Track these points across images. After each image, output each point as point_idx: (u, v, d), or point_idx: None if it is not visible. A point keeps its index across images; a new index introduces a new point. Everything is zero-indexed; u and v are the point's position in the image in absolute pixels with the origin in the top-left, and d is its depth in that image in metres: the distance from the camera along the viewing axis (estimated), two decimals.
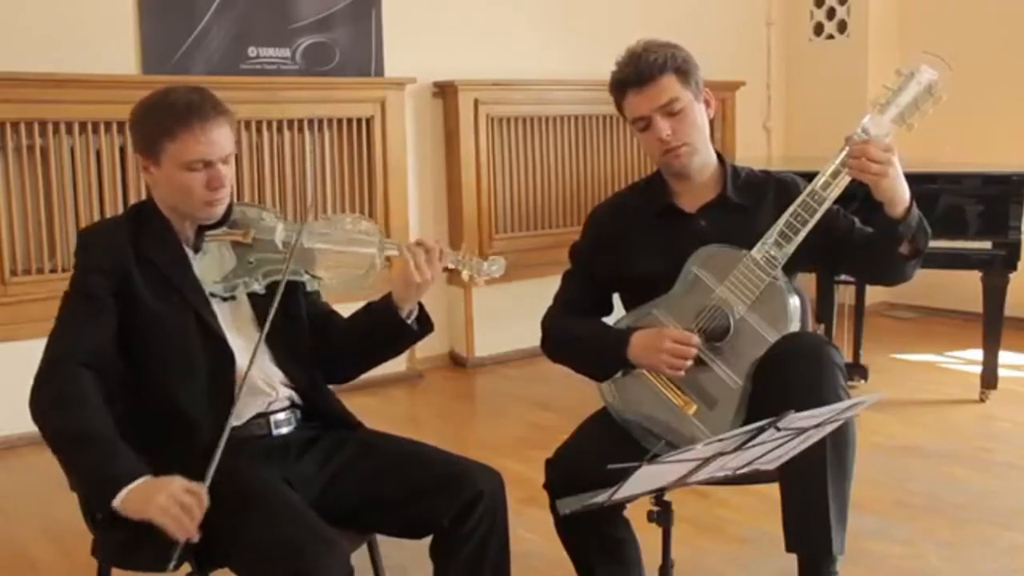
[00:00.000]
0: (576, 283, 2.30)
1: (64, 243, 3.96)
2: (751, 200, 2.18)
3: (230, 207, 1.99)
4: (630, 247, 2.21)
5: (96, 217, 4.00)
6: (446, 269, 2.00)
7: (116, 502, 1.72)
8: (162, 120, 1.89)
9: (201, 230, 1.98)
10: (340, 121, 4.62)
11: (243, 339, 1.98)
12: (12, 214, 3.88)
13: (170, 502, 1.68)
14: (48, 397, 1.82)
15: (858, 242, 2.16)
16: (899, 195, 2.01)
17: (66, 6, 4.00)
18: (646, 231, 2.21)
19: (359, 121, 4.66)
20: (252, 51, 4.45)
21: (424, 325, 2.06)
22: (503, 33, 5.13)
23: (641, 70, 2.09)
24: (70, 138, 3.95)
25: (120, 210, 4.05)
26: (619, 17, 5.47)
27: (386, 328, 2.04)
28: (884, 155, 1.95)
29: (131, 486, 1.72)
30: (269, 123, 4.39)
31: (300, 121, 4.48)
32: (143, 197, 4.07)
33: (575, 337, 2.21)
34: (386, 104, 4.70)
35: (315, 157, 4.55)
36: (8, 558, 2.89)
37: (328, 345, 2.09)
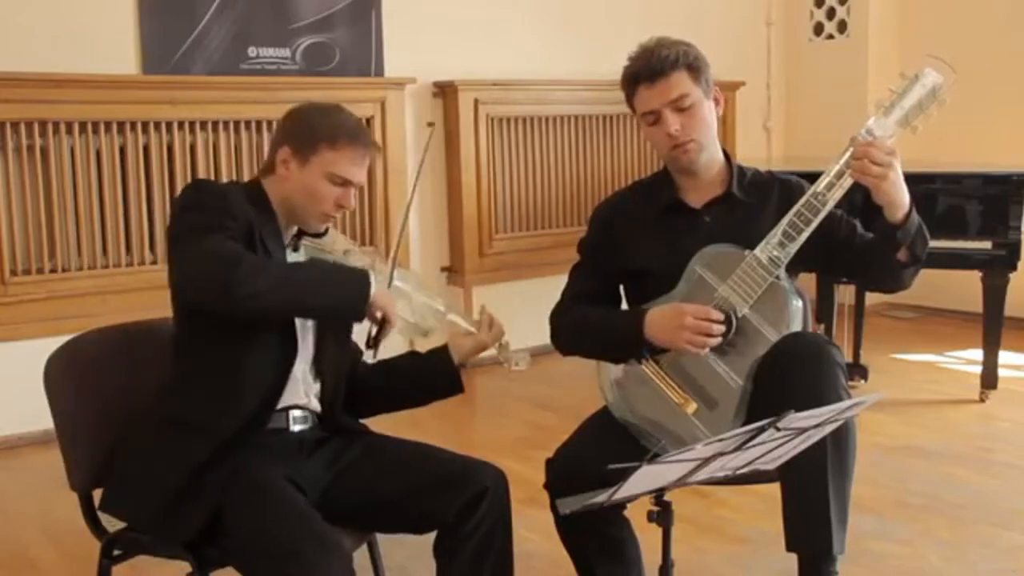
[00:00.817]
0: (584, 277, 2.30)
1: (64, 243, 3.96)
2: (756, 199, 2.19)
3: (326, 228, 2.06)
4: (635, 242, 2.21)
5: (96, 217, 4.00)
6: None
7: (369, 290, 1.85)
8: (333, 128, 1.96)
9: (301, 234, 2.04)
10: None
11: (304, 340, 2.01)
12: (12, 214, 3.88)
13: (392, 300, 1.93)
14: (258, 265, 1.80)
15: (858, 247, 2.16)
16: (899, 200, 2.01)
17: (66, 6, 4.00)
18: (651, 226, 2.21)
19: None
20: (252, 51, 4.45)
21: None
22: (503, 33, 5.13)
23: (653, 65, 2.11)
24: (70, 138, 3.95)
25: (120, 210, 4.05)
26: (619, 17, 5.46)
27: (436, 376, 2.15)
28: (886, 158, 1.96)
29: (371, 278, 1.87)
30: (269, 123, 4.38)
31: None
32: (143, 197, 4.09)
33: (588, 323, 2.21)
34: (386, 104, 4.70)
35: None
36: (8, 558, 2.89)
37: (358, 383, 2.15)
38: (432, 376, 2.15)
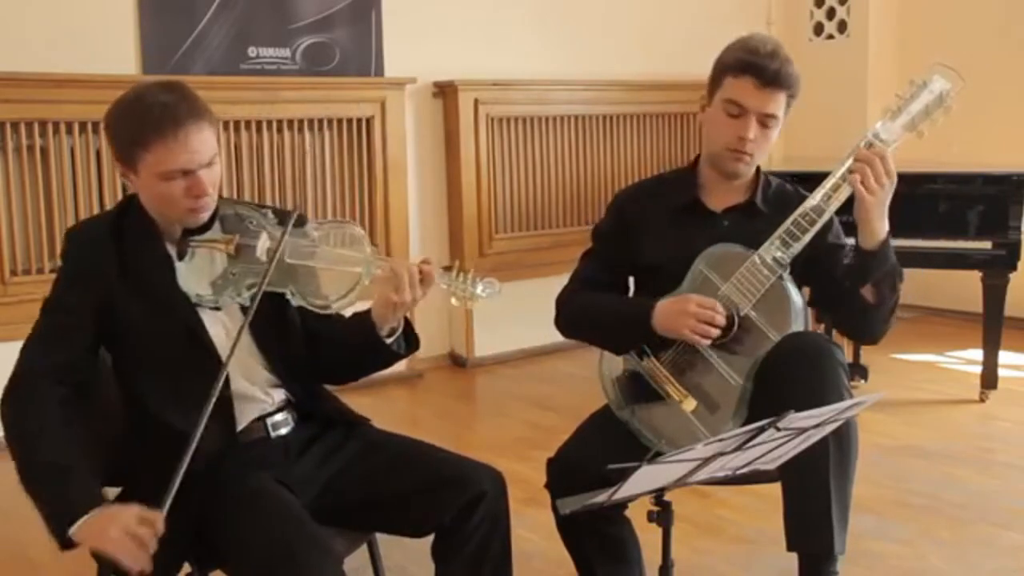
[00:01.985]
0: (594, 264, 2.29)
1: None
2: (776, 210, 2.15)
3: (217, 209, 1.89)
4: (651, 236, 2.20)
5: None
6: (450, 262, 1.93)
7: (72, 531, 1.69)
8: (135, 128, 1.77)
9: (187, 233, 1.88)
10: (340, 121, 4.62)
11: (233, 359, 1.86)
12: (12, 214, 3.88)
13: (122, 535, 1.64)
14: (11, 417, 1.80)
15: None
16: (877, 224, 2.00)
17: (66, 6, 4.00)
18: (669, 223, 2.20)
19: (359, 121, 4.65)
20: (252, 51, 4.45)
21: (409, 343, 1.97)
22: (503, 33, 5.13)
23: (779, 73, 2.05)
24: (70, 138, 3.95)
25: None
26: (618, 17, 5.47)
27: (365, 344, 1.93)
28: (883, 173, 1.97)
29: (85, 518, 1.68)
30: (269, 123, 4.39)
31: (300, 121, 4.48)
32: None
33: (596, 309, 2.20)
34: (386, 104, 4.70)
35: (315, 157, 4.55)
36: (8, 558, 2.89)
37: (328, 345, 2.01)
38: (369, 345, 1.92)
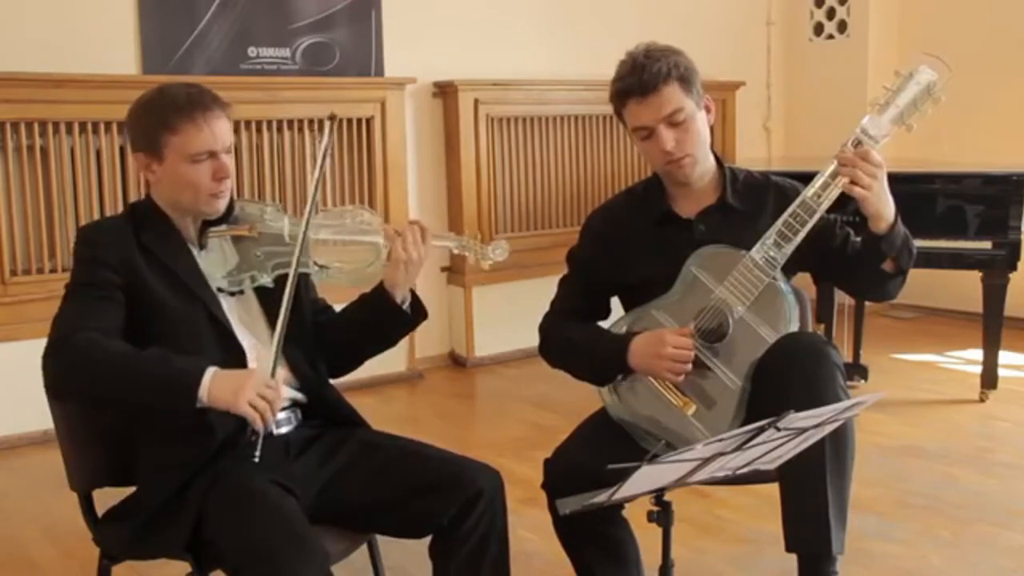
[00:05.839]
0: (573, 289, 2.28)
1: (64, 243, 3.96)
2: (751, 205, 2.16)
3: (232, 203, 2.00)
4: (629, 254, 2.19)
5: (96, 217, 4.00)
6: (450, 263, 2.02)
7: (202, 392, 1.74)
8: (163, 115, 1.89)
9: (205, 227, 1.98)
10: (340, 121, 4.61)
11: (251, 335, 1.98)
12: (12, 214, 3.88)
13: (255, 397, 1.75)
14: (72, 354, 1.77)
15: (849, 256, 2.15)
16: (883, 211, 2.00)
17: (66, 6, 4.00)
18: (645, 238, 2.18)
19: (359, 121, 4.66)
20: (252, 51, 4.46)
21: (417, 312, 2.07)
22: (503, 33, 5.13)
23: (645, 80, 2.04)
24: (70, 138, 3.95)
25: (119, 210, 4.05)
26: (619, 17, 5.47)
27: (381, 316, 2.04)
28: (872, 169, 1.95)
29: (206, 379, 1.75)
30: (269, 123, 4.39)
31: (300, 121, 4.48)
32: (143, 197, 4.09)
33: (574, 345, 2.19)
34: (386, 104, 4.70)
35: (316, 156, 4.56)
36: (8, 558, 2.89)
37: (325, 339, 2.09)
38: (384, 315, 2.05)
